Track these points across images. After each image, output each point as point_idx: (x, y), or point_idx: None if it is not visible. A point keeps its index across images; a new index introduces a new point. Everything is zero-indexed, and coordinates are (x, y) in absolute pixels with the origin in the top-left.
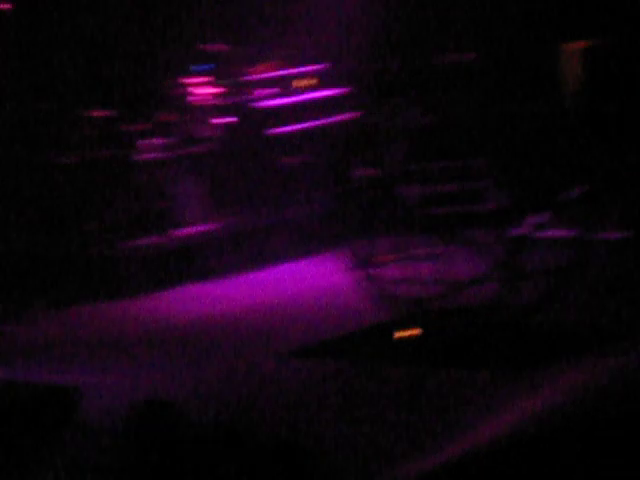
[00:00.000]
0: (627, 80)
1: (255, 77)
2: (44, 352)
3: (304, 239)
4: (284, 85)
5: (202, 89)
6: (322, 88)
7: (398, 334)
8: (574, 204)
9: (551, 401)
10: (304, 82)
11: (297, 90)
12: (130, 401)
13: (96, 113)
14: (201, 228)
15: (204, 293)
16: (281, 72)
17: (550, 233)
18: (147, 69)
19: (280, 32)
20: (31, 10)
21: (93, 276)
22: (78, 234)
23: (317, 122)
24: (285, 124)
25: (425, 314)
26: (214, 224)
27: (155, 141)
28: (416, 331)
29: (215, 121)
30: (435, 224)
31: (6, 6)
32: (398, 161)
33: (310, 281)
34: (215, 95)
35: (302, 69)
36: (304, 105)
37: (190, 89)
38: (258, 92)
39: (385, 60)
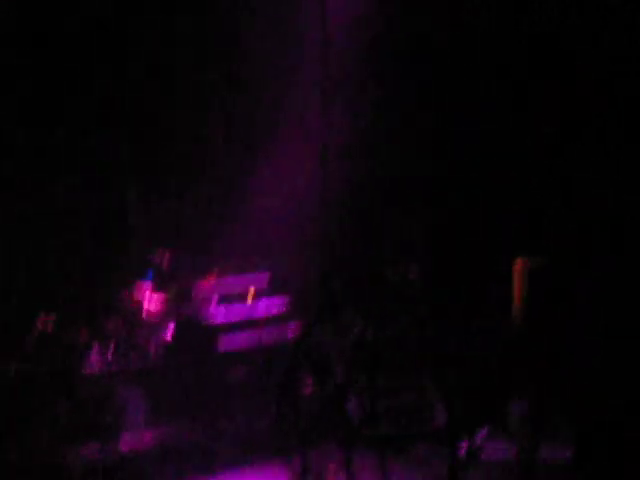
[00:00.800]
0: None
1: (200, 287)
2: None
3: (249, 450)
4: (230, 296)
5: (148, 299)
6: (266, 298)
7: None
8: (518, 421)
9: None
10: (248, 292)
11: (242, 300)
12: None
13: (41, 322)
14: (146, 438)
15: None
16: (225, 282)
17: (494, 451)
18: (93, 278)
19: (225, 243)
20: None
21: None
22: (26, 443)
23: (262, 334)
24: (230, 335)
25: None
26: (159, 434)
27: (100, 351)
28: None
29: (160, 331)
30: (379, 439)
31: None
32: (343, 376)
33: None
34: (160, 305)
35: (246, 278)
36: (249, 316)
37: (136, 299)
38: (203, 303)
39: (329, 271)
